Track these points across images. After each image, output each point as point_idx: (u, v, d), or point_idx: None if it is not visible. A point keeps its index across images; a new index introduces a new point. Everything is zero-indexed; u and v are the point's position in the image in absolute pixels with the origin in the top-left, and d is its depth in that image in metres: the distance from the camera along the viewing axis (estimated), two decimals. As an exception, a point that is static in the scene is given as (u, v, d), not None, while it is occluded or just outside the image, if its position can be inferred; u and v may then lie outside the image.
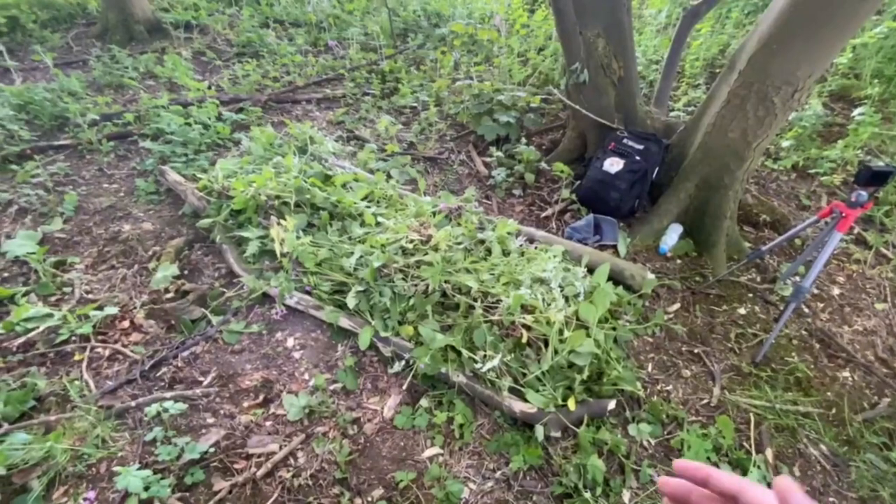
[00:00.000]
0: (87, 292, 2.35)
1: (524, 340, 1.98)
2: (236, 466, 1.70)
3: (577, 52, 2.97)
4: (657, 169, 2.92)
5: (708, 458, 1.80)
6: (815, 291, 2.63)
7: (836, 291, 2.66)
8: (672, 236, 2.80)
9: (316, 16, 5.60)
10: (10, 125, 3.40)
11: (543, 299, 2.08)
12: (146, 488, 1.54)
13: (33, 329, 2.09)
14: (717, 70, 4.66)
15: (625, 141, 2.94)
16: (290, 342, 2.17)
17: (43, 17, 5.37)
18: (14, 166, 3.15)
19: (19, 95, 3.65)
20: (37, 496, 1.58)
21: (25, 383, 1.90)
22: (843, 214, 1.94)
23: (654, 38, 5.07)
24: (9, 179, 3.06)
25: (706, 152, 2.67)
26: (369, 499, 1.65)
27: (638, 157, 2.85)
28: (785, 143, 3.66)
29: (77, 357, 2.04)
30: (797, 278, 2.60)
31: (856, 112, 3.68)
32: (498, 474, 1.76)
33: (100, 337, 2.13)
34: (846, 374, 2.24)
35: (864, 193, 1.88)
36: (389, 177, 3.20)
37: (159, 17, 5.38)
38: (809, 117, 3.67)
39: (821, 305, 2.57)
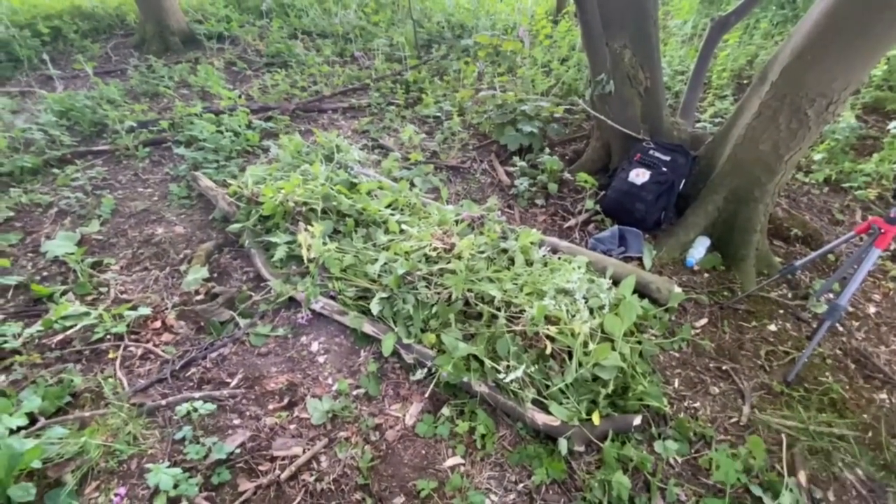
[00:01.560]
0: (122, 292, 2.43)
1: (548, 352, 1.97)
2: (261, 468, 1.73)
3: (602, 62, 2.97)
4: (684, 180, 2.88)
5: (738, 479, 1.75)
6: (851, 309, 2.55)
7: (871, 310, 2.57)
8: (699, 249, 2.75)
9: (343, 27, 5.73)
10: (53, 130, 3.56)
11: (567, 310, 2.06)
12: (175, 486, 1.57)
13: (71, 327, 2.17)
14: (745, 81, 4.59)
15: (651, 152, 2.91)
16: (315, 346, 2.20)
17: (84, 28, 5.64)
18: (55, 170, 3.30)
19: (61, 102, 3.83)
20: (70, 491, 1.63)
21: (62, 379, 1.97)
22: (882, 231, 1.88)
23: (679, 48, 5.03)
24: (50, 182, 3.21)
25: (736, 164, 2.63)
26: (391, 506, 1.65)
27: (664, 169, 2.82)
28: (817, 156, 3.57)
29: (111, 355, 2.11)
30: (831, 295, 2.52)
31: (891, 125, 3.57)
32: (520, 487, 1.74)
33: (133, 336, 2.20)
34: (883, 395, 2.15)
35: (904, 209, 1.82)
36: (413, 185, 3.23)
37: (193, 28, 5.58)
38: (842, 130, 3.57)
39: (856, 324, 2.48)
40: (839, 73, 2.18)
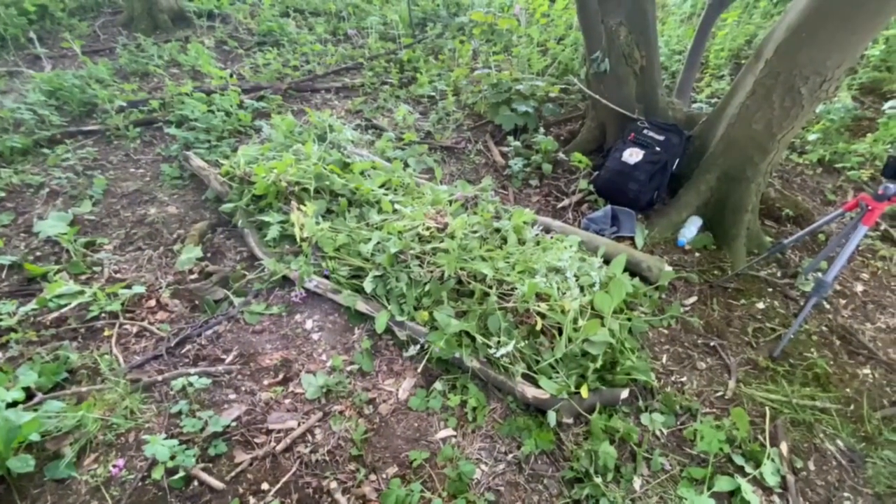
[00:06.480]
0: (116, 272, 2.44)
1: (538, 328, 2.00)
2: (257, 440, 1.77)
3: (598, 40, 2.94)
4: (678, 160, 2.88)
5: (721, 449, 1.80)
6: (838, 288, 2.58)
7: (859, 288, 2.61)
8: (691, 229, 2.77)
9: (335, 5, 5.62)
10: (42, 110, 3.52)
11: (558, 288, 2.09)
12: (172, 457, 1.61)
13: (65, 305, 2.19)
14: (743, 61, 4.55)
15: (645, 131, 2.90)
16: (309, 324, 2.22)
17: (71, 6, 5.50)
18: (46, 150, 3.26)
19: (49, 82, 3.76)
20: (69, 462, 1.66)
21: (58, 356, 1.99)
22: (870, 207, 1.89)
23: (677, 27, 4.96)
24: (41, 163, 3.18)
25: (729, 144, 2.63)
26: (384, 476, 1.70)
27: (658, 148, 2.82)
28: (811, 137, 3.57)
29: (107, 333, 2.13)
30: (819, 273, 2.55)
31: (886, 105, 3.56)
32: (510, 457, 1.79)
33: (128, 314, 2.22)
34: (867, 371, 2.20)
35: (892, 186, 1.83)
36: (406, 165, 3.22)
37: (183, 6, 5.46)
38: (838, 110, 3.57)
39: (843, 302, 2.52)
40: (833, 51, 2.17)
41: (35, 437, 1.64)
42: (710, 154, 2.75)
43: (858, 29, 2.12)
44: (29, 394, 1.81)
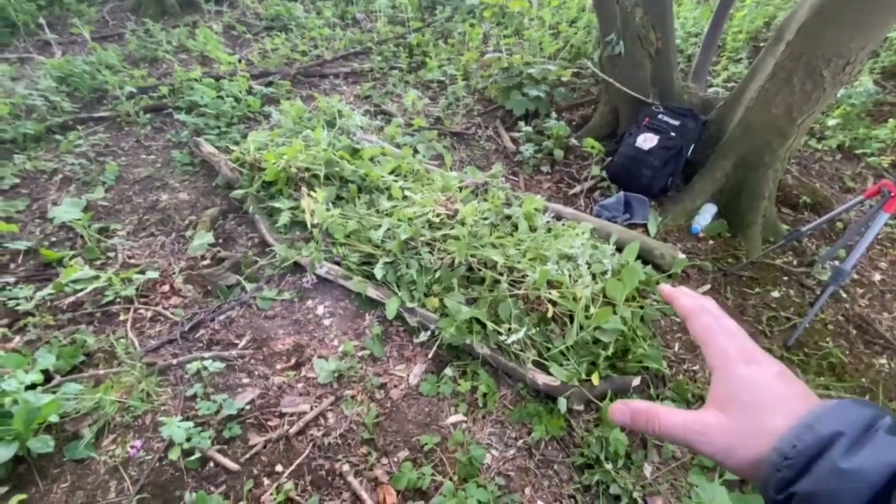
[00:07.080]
0: (130, 257, 2.46)
1: (549, 315, 1.98)
2: (270, 424, 1.79)
3: (612, 22, 2.87)
4: (693, 146, 2.83)
5: (733, 437, 1.79)
6: (855, 276, 2.54)
7: (877, 277, 2.56)
8: (705, 216, 2.72)
9: (344, -12, 5.54)
10: (53, 97, 3.53)
11: (570, 275, 2.07)
12: (188, 439, 1.64)
13: (81, 290, 2.21)
14: (761, 44, 4.42)
15: (660, 116, 2.84)
16: (321, 310, 2.24)
17: (80, -9, 5.48)
18: (58, 136, 3.28)
19: (60, 68, 3.77)
20: (87, 443, 1.70)
21: (75, 340, 2.03)
22: (892, 194, 1.84)
23: (694, 9, 4.83)
24: (53, 149, 3.20)
25: (746, 128, 2.57)
26: (395, 459, 1.72)
27: (673, 134, 2.77)
28: (831, 122, 3.48)
29: (122, 317, 2.15)
30: (836, 262, 2.51)
31: (911, 89, 3.46)
32: (520, 443, 1.80)
33: (142, 299, 2.24)
34: (883, 360, 2.17)
35: (917, 172, 1.78)
36: (416, 151, 3.19)
37: (190, -10, 5.42)
38: (859, 95, 3.47)
39: (860, 291, 2.48)
40: (857, 33, 2.10)
41: (54, 418, 1.68)
42: (727, 139, 2.69)
43: (883, 10, 2.04)
44: (47, 376, 1.84)
